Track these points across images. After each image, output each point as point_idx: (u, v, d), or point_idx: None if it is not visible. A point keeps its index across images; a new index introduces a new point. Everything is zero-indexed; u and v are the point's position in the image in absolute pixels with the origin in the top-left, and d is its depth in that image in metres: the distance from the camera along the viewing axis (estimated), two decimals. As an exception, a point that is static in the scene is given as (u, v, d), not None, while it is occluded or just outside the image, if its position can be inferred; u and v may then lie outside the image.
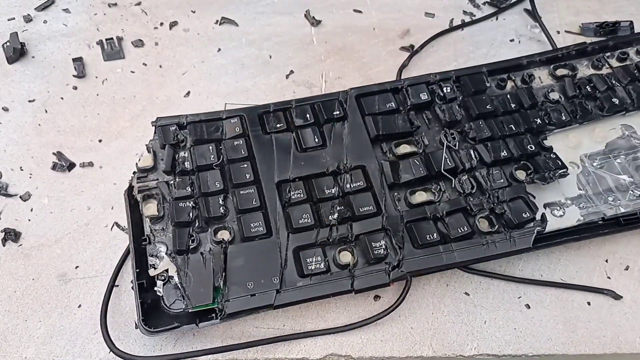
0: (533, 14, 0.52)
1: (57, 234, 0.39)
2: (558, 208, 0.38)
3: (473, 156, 0.39)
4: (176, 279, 0.34)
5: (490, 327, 0.37)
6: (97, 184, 0.42)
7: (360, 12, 0.52)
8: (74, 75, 0.47)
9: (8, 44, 0.47)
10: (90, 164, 0.42)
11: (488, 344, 0.36)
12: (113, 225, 0.40)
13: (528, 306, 0.38)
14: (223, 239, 0.35)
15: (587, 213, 0.38)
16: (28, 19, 0.50)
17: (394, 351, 0.36)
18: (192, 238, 0.35)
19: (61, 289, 0.37)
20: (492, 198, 0.37)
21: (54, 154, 0.42)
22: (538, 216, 0.37)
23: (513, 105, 0.41)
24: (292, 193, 0.37)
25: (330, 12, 0.52)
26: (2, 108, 0.45)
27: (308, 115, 0.40)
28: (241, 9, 0.52)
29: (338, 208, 0.36)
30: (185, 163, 0.38)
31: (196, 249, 0.35)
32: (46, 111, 0.45)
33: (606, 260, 0.40)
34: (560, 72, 0.44)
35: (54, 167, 0.42)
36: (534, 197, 0.38)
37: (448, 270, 0.39)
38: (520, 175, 0.39)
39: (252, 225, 0.35)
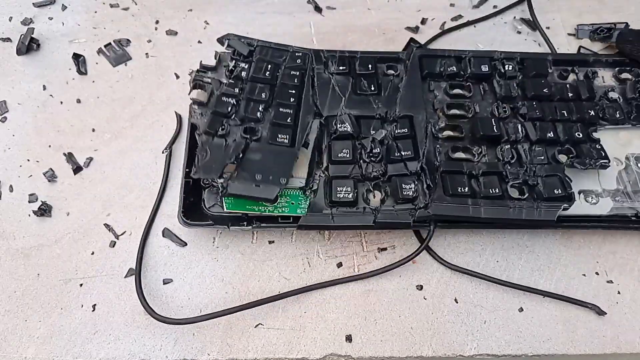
0: (531, 16, 0.51)
1: (57, 234, 0.39)
2: (593, 196, 0.39)
3: (520, 130, 0.40)
4: (197, 152, 0.37)
5: (490, 327, 0.37)
6: (96, 184, 0.42)
7: (360, 11, 0.52)
8: (72, 76, 0.47)
9: (22, 37, 0.47)
10: (90, 164, 0.42)
11: (488, 344, 0.36)
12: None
13: (523, 309, 0.38)
14: (249, 136, 0.38)
15: (621, 207, 0.39)
16: (28, 18, 0.50)
17: (394, 351, 0.36)
18: (222, 126, 0.38)
19: (61, 289, 0.37)
20: (529, 171, 0.38)
21: (64, 154, 0.43)
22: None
23: (570, 95, 0.43)
24: (338, 125, 0.39)
25: (331, 12, 0.52)
26: (3, 107, 0.45)
27: (370, 66, 0.43)
28: (241, 9, 0.52)
29: (378, 148, 0.39)
30: (242, 73, 0.41)
31: (223, 136, 0.38)
32: (46, 111, 0.45)
33: (606, 259, 0.40)
34: (625, 75, 0.45)
35: (40, 175, 0.42)
36: (571, 181, 0.38)
37: (448, 271, 0.39)
38: (562, 158, 0.39)
39: (279, 135, 0.38)
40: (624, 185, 0.40)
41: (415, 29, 0.51)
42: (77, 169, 0.42)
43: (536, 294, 0.38)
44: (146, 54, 0.49)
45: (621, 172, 0.40)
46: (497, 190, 0.37)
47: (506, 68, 0.43)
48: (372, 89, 0.42)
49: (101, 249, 0.39)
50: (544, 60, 0.44)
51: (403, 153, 0.39)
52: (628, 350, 0.36)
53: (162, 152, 0.42)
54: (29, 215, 0.40)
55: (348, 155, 0.38)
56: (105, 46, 0.49)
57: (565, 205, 0.37)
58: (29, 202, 0.41)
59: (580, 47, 0.49)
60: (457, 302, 0.38)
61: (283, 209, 0.37)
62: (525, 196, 0.37)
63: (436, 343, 0.36)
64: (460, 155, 0.39)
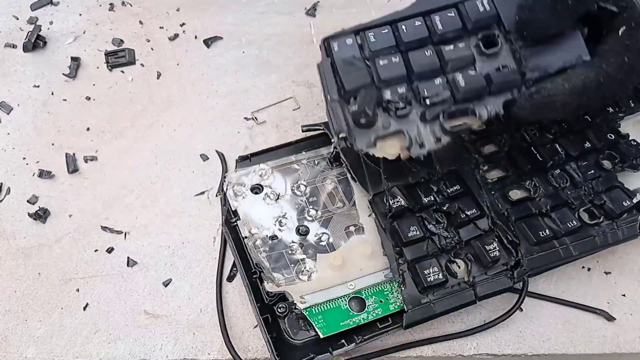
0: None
1: (57, 234, 0.39)
2: None
3: (558, 149, 0.39)
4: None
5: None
6: (97, 184, 0.42)
7: (360, 12, 0.52)
8: (71, 76, 0.47)
9: (29, 34, 0.48)
10: (90, 164, 0.43)
11: (488, 343, 0.36)
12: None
13: (523, 309, 0.38)
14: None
15: None
16: (34, 17, 0.50)
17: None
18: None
19: (61, 289, 0.37)
20: (587, 190, 0.37)
21: (65, 154, 0.42)
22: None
23: None
24: (391, 202, 0.36)
25: (330, 12, 0.52)
26: (2, 107, 0.45)
27: None
28: (241, 8, 0.52)
29: (440, 215, 0.36)
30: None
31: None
32: (47, 111, 0.45)
33: (606, 259, 0.40)
34: None
35: (40, 175, 0.42)
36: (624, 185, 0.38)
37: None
38: (607, 164, 0.38)
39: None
40: None
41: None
42: (77, 169, 0.42)
43: (538, 299, 0.38)
44: (146, 54, 0.49)
45: None
46: (575, 222, 0.36)
47: None
48: None
49: (101, 248, 0.39)
50: None
51: (468, 213, 0.36)
52: (628, 350, 0.36)
53: (216, 196, 0.41)
54: (29, 215, 0.40)
55: (418, 233, 0.35)
56: (105, 47, 0.49)
57: None
58: (29, 202, 0.41)
59: None
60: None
61: (376, 312, 0.34)
62: (601, 219, 0.36)
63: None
64: (516, 194, 0.37)
